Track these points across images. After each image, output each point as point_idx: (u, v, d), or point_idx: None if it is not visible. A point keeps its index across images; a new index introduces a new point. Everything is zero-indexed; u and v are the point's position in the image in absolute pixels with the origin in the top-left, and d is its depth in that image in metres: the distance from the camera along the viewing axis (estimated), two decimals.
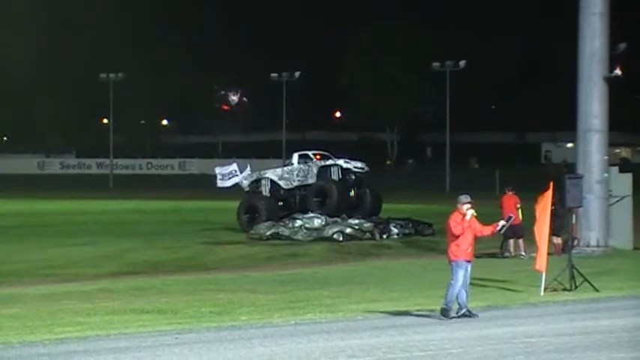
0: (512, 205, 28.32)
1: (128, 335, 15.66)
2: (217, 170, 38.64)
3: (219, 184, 38.39)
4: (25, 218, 46.36)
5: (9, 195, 61.40)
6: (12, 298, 21.06)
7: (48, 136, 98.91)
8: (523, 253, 27.99)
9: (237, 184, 38.13)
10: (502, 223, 17.20)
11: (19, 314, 18.30)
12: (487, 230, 17.03)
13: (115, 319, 17.30)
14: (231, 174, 38.11)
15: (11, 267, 27.59)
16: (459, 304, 16.79)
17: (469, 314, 16.83)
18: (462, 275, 16.68)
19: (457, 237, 16.67)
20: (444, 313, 16.66)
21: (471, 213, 16.71)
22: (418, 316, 17.15)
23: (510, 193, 28.77)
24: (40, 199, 60.55)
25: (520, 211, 27.95)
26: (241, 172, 38.44)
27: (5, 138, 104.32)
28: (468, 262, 16.83)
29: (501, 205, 28.62)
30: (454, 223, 16.75)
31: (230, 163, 39.12)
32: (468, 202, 16.82)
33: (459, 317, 16.71)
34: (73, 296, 21.03)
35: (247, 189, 37.99)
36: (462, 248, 16.71)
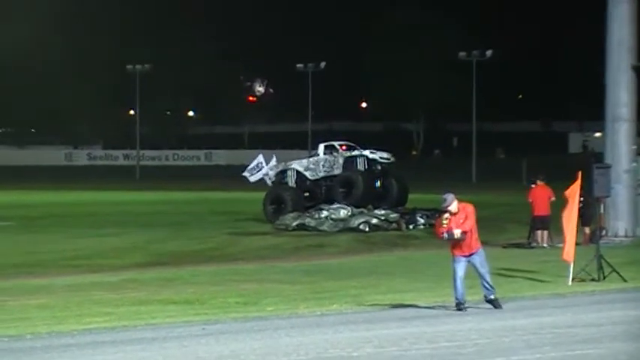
0: (544, 197, 28.07)
1: (155, 326, 15.72)
2: (245, 174, 38.61)
3: (251, 179, 38.38)
4: (53, 209, 46.63)
5: (37, 186, 61.79)
6: (40, 288, 21.19)
7: (75, 127, 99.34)
8: (545, 245, 27.88)
9: (263, 178, 38.12)
10: (457, 231, 16.35)
11: (48, 304, 18.41)
12: (462, 228, 16.48)
13: (142, 310, 17.37)
14: (257, 167, 38.16)
15: (39, 257, 27.76)
16: (485, 289, 16.68)
17: (496, 304, 16.73)
18: (458, 269, 16.50)
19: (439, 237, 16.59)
20: (457, 306, 16.60)
21: (446, 222, 16.42)
22: (444, 307, 17.10)
23: (542, 183, 28.54)
24: (68, 190, 60.85)
25: (550, 203, 27.76)
26: (267, 164, 38.46)
27: (33, 130, 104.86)
28: (466, 256, 16.57)
29: (532, 198, 28.41)
30: (437, 224, 16.68)
31: (255, 157, 39.10)
32: (446, 207, 16.43)
33: (486, 302, 16.65)
34: (101, 287, 21.13)
35: (273, 179, 37.99)
36: (456, 244, 16.54)
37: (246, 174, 38.33)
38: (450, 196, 16.56)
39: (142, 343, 14.26)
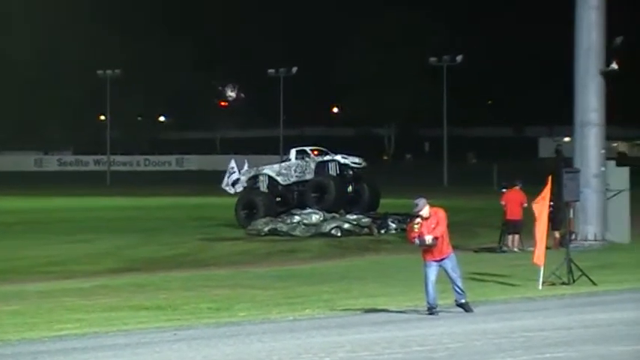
0: (517, 201, 28.19)
1: (127, 332, 15.67)
2: (224, 187, 38.56)
3: (231, 191, 38.33)
4: (23, 215, 46.35)
5: (6, 192, 61.36)
6: (11, 295, 21.07)
7: (45, 132, 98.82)
8: (515, 249, 28.03)
9: (237, 181, 38.06)
10: (429, 237, 16.39)
11: (19, 311, 18.31)
12: (433, 233, 16.56)
13: (114, 316, 17.32)
14: (230, 172, 38.13)
15: (10, 264, 27.57)
16: (456, 292, 16.76)
17: (467, 307, 16.82)
18: (430, 273, 16.58)
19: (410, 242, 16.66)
20: (428, 310, 16.67)
21: (417, 226, 16.49)
22: (416, 311, 17.16)
23: (517, 188, 28.66)
24: (38, 196, 60.52)
25: (522, 208, 27.92)
26: (239, 169, 38.45)
27: (2, 135, 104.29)
28: (437, 261, 16.65)
29: (505, 201, 28.52)
30: (408, 228, 16.75)
31: (228, 165, 39.04)
32: (418, 212, 16.50)
33: (456, 306, 16.74)
34: (72, 293, 21.04)
35: (245, 184, 37.98)
36: (427, 249, 16.60)
37: (225, 187, 38.30)
38: (421, 201, 16.64)
39: (114, 349, 14.22)
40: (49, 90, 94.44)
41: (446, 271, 16.73)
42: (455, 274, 16.74)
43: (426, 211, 16.57)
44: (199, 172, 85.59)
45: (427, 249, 16.61)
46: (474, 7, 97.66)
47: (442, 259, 16.68)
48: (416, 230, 16.50)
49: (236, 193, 38.23)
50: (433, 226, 16.51)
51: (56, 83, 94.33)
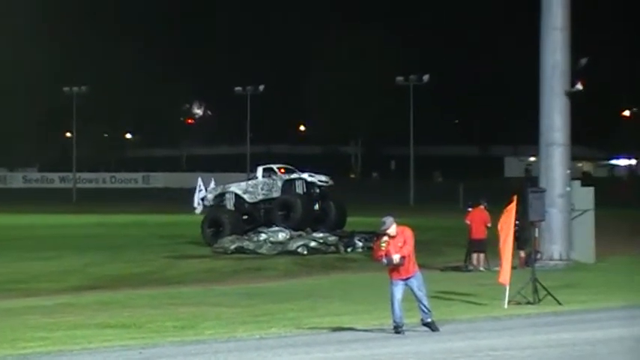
0: (481, 220, 28.32)
1: (92, 350, 15.56)
2: (195, 205, 38.60)
3: (198, 210, 38.34)
4: None
5: None
6: None
7: (10, 149, 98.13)
8: (481, 268, 28.14)
9: (204, 201, 38.03)
10: (396, 257, 16.39)
11: None
12: (401, 253, 16.56)
13: (79, 334, 17.18)
14: (197, 190, 38.11)
15: None
16: (422, 311, 16.79)
17: (432, 326, 16.84)
18: (396, 292, 16.59)
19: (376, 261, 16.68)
20: (395, 329, 16.69)
21: (384, 245, 16.53)
22: (383, 329, 17.16)
23: (482, 207, 28.77)
24: (2, 213, 60.00)
25: (486, 227, 28.05)
26: (206, 187, 38.40)
27: None
28: (404, 280, 16.66)
29: (470, 220, 28.63)
30: (374, 249, 16.77)
31: (195, 186, 39.03)
32: (385, 230, 16.51)
33: (422, 325, 16.76)
34: (36, 311, 20.86)
35: (211, 203, 37.93)
36: (394, 268, 16.62)
37: (196, 206, 38.30)
38: (389, 219, 16.67)
39: None
40: (15, 106, 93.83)
41: (412, 289, 16.76)
42: (421, 293, 16.77)
43: (393, 229, 16.60)
44: (165, 190, 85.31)
45: (394, 267, 16.63)
46: (439, 26, 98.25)
47: (408, 278, 16.71)
48: (383, 248, 16.52)
49: (203, 212, 38.15)
50: (400, 244, 16.54)
51: (21, 99, 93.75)
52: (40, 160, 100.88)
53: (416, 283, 16.75)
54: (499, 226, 20.76)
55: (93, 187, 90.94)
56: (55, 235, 43.89)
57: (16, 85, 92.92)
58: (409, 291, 16.76)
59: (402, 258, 16.51)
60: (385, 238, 16.55)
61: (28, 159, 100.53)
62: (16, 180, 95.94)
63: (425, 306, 16.82)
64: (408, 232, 16.69)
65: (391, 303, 16.69)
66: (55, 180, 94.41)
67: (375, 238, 36.27)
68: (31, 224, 51.73)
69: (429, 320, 16.90)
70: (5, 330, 17.93)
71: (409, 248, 16.56)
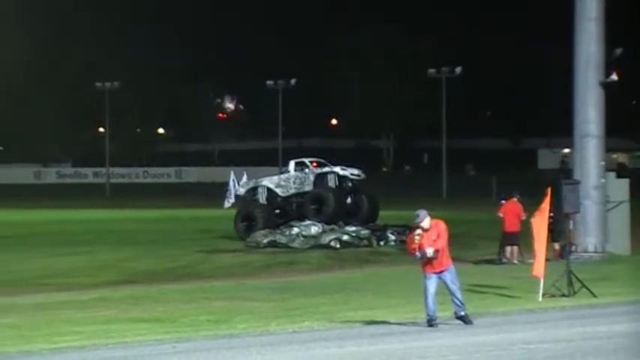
0: (515, 213, 28.15)
1: (126, 344, 15.62)
2: (226, 204, 38.63)
3: (226, 204, 38.36)
4: (22, 228, 46.29)
5: (5, 205, 61.30)
6: (9, 307, 21.01)
7: (44, 145, 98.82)
8: (515, 261, 28.00)
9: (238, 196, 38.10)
10: (430, 250, 16.32)
11: (17, 324, 18.25)
12: (434, 246, 16.49)
13: (113, 329, 17.26)
14: (230, 185, 38.13)
15: (8, 277, 27.53)
16: (455, 305, 16.72)
17: (466, 319, 16.76)
18: (429, 285, 16.52)
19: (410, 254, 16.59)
20: (428, 322, 16.63)
21: (417, 238, 16.43)
22: (416, 323, 17.11)
23: (515, 199, 28.61)
24: (37, 208, 60.46)
25: (520, 220, 27.90)
26: (238, 181, 38.45)
27: (1, 148, 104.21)
28: (437, 273, 16.60)
29: (503, 213, 28.47)
30: (408, 240, 16.67)
31: (227, 182, 39.05)
32: (419, 223, 16.44)
33: (456, 318, 16.69)
34: (71, 305, 20.98)
35: (243, 196, 37.94)
36: (427, 261, 16.54)
37: (226, 204, 38.33)
38: (422, 212, 16.60)
39: None
40: (49, 102, 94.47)
41: (445, 283, 16.69)
42: (454, 286, 16.70)
43: (426, 222, 16.53)
44: (198, 184, 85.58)
45: (427, 261, 16.56)
46: (472, 17, 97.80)
47: (441, 271, 16.64)
48: (416, 242, 16.45)
49: (231, 206, 38.17)
50: (434, 238, 16.47)
51: (55, 96, 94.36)
52: (74, 155, 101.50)
53: (449, 276, 16.68)
54: (532, 222, 20.60)
55: (126, 182, 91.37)
56: (89, 230, 44.16)
57: (49, 80, 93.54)
58: (442, 284, 16.70)
59: (436, 252, 16.43)
60: (418, 231, 16.47)
61: (62, 154, 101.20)
62: (50, 175, 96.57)
63: (458, 299, 16.75)
64: (442, 226, 16.61)
65: (424, 296, 16.63)
66: (89, 175, 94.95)
67: (407, 232, 36.24)
68: (65, 219, 52.07)
69: (463, 313, 16.83)
70: (40, 324, 18.05)
71: (443, 242, 16.48)
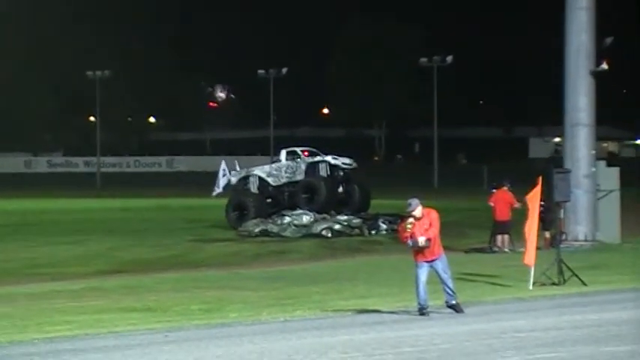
0: (505, 202, 28.17)
1: (117, 334, 15.63)
2: (215, 192, 38.59)
3: (215, 192, 38.36)
4: (12, 217, 46.24)
5: None
6: (0, 297, 20.99)
7: (35, 134, 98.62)
8: (506, 250, 28.06)
9: (228, 184, 38.10)
10: (422, 239, 16.36)
11: (8, 313, 18.25)
12: (426, 235, 16.52)
13: (104, 318, 17.27)
14: (220, 174, 38.11)
15: None
16: (447, 293, 16.77)
17: (457, 308, 16.81)
18: (421, 274, 16.59)
19: (402, 242, 16.64)
20: (419, 311, 16.68)
21: (409, 226, 16.46)
22: (407, 311, 17.16)
23: (506, 188, 28.64)
24: (28, 197, 60.38)
25: (511, 208, 27.96)
26: (230, 170, 38.44)
27: None
28: (428, 262, 16.65)
29: (494, 202, 28.51)
30: (400, 229, 16.71)
31: (217, 170, 39.02)
32: (411, 212, 16.48)
33: (447, 307, 16.75)
34: (62, 295, 20.98)
35: (235, 186, 37.95)
36: (418, 250, 16.58)
37: (215, 191, 38.28)
38: (414, 201, 16.62)
39: (104, 351, 14.19)
40: (39, 91, 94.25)
41: (437, 271, 16.73)
42: (445, 275, 16.74)
43: (418, 211, 16.56)
44: (189, 174, 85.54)
45: (418, 250, 16.60)
46: (464, 7, 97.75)
47: (433, 260, 16.68)
48: (408, 230, 16.48)
49: (219, 195, 38.18)
50: (426, 226, 16.50)
51: (45, 84, 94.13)
52: (65, 144, 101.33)
53: (441, 265, 16.72)
54: (527, 200, 20.59)
55: (117, 171, 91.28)
56: (80, 220, 44.12)
57: (39, 70, 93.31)
58: (434, 273, 16.74)
59: (428, 240, 16.47)
60: (411, 219, 16.50)
61: (53, 144, 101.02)
62: (41, 165, 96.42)
63: (450, 288, 16.80)
64: (434, 215, 16.64)
65: (416, 285, 16.67)
66: (80, 164, 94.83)
67: (399, 221, 36.30)
68: (56, 209, 52.01)
69: (454, 302, 16.87)
70: (32, 314, 18.06)
71: (435, 231, 16.52)
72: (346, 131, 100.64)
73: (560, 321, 16.01)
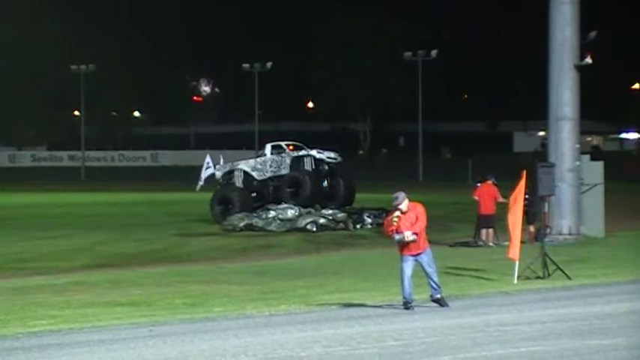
0: (490, 196, 28.22)
1: (102, 328, 15.60)
2: (198, 186, 38.53)
3: (198, 187, 38.29)
4: None
5: None
6: None
7: (19, 128, 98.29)
8: (491, 243, 28.12)
9: (212, 177, 38.05)
10: (408, 234, 16.37)
11: None
12: (413, 229, 16.51)
13: (89, 312, 17.23)
14: (204, 167, 38.06)
15: None
16: (431, 287, 16.79)
17: (442, 302, 16.83)
18: (406, 268, 16.61)
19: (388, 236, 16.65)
20: (404, 305, 16.69)
21: (395, 220, 16.47)
22: (392, 305, 17.17)
23: (490, 182, 28.68)
24: (12, 192, 60.15)
25: (495, 202, 28.02)
26: (214, 164, 38.38)
27: None
28: (414, 256, 16.68)
29: (478, 196, 28.55)
30: (385, 224, 16.71)
31: (202, 164, 38.95)
32: (397, 205, 16.48)
33: (431, 301, 16.76)
34: (46, 289, 20.92)
35: (220, 180, 37.93)
36: (404, 244, 16.58)
37: (200, 183, 38.20)
38: (401, 195, 16.61)
39: (89, 345, 14.16)
40: (23, 85, 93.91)
41: (422, 265, 16.74)
42: (431, 269, 16.75)
43: (405, 205, 16.56)
44: (174, 168, 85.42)
45: (404, 244, 16.60)
46: (448, 1, 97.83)
47: (418, 254, 16.69)
48: (394, 224, 16.47)
49: (202, 189, 38.10)
50: (412, 220, 16.49)
51: (29, 78, 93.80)
52: (49, 138, 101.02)
53: (426, 259, 16.73)
54: (510, 201, 20.67)
55: (101, 165, 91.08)
56: (64, 214, 43.99)
57: (23, 64, 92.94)
58: (419, 267, 16.75)
59: (414, 234, 16.47)
60: (397, 213, 16.48)
61: (37, 138, 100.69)
62: (25, 159, 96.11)
63: (435, 282, 16.81)
64: (420, 209, 16.64)
65: (401, 279, 16.68)
66: (64, 158, 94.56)
67: (384, 215, 36.32)
68: (40, 203, 51.85)
69: (439, 296, 16.89)
70: (16, 308, 18.00)
71: (421, 225, 16.51)
72: (331, 125, 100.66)
73: (545, 314, 16.06)
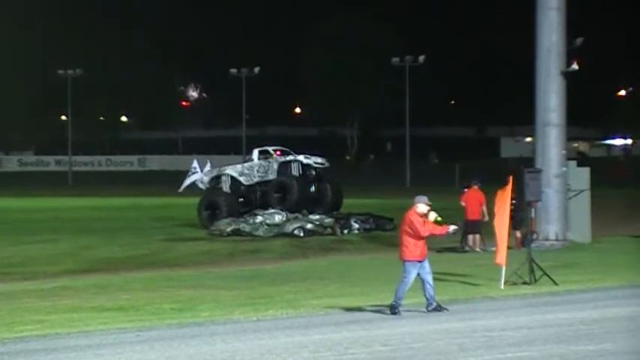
0: (476, 201, 28.31)
1: (89, 333, 15.58)
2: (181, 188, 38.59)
3: (181, 189, 38.34)
4: None
5: None
6: None
7: (6, 133, 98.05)
8: (477, 249, 28.17)
9: (195, 182, 38.09)
10: (453, 227, 17.20)
11: None
12: (438, 230, 16.97)
13: (76, 317, 17.20)
14: (191, 172, 38.08)
15: None
16: (427, 299, 16.87)
17: (439, 308, 16.89)
18: (414, 274, 16.71)
19: (423, 238, 16.74)
20: (393, 309, 16.73)
21: (434, 217, 16.72)
22: (379, 311, 17.20)
23: (476, 187, 28.74)
24: None
25: (482, 208, 28.09)
26: (201, 169, 38.39)
27: None
28: (420, 261, 16.81)
29: (465, 201, 28.62)
30: (419, 225, 16.76)
31: (190, 168, 38.97)
32: (429, 205, 16.81)
33: (429, 312, 16.81)
34: (33, 294, 20.87)
35: (207, 186, 37.93)
36: (417, 248, 16.70)
37: (183, 186, 38.23)
38: (424, 198, 16.92)
39: (76, 350, 14.14)
40: (9, 90, 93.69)
41: (422, 271, 16.85)
42: (430, 276, 16.89)
43: (424, 208, 16.95)
44: (161, 173, 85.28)
45: (415, 249, 16.69)
46: (436, 6, 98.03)
47: (423, 260, 16.85)
48: (439, 221, 16.82)
49: (184, 190, 38.14)
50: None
51: (16, 83, 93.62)
52: (36, 143, 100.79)
53: (427, 265, 16.92)
54: (495, 207, 20.75)
55: (89, 169, 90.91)
56: (51, 219, 43.89)
57: (10, 68, 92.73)
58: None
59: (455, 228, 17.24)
60: (433, 213, 16.73)
61: (24, 142, 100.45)
62: (12, 163, 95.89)
63: (432, 288, 16.87)
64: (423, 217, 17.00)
65: (404, 282, 16.70)
66: (51, 163, 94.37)
67: (371, 220, 36.29)
68: (27, 208, 51.72)
69: (434, 305, 16.93)
70: (2, 313, 17.95)
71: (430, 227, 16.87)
72: (318, 130, 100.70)
73: (531, 320, 16.10)
